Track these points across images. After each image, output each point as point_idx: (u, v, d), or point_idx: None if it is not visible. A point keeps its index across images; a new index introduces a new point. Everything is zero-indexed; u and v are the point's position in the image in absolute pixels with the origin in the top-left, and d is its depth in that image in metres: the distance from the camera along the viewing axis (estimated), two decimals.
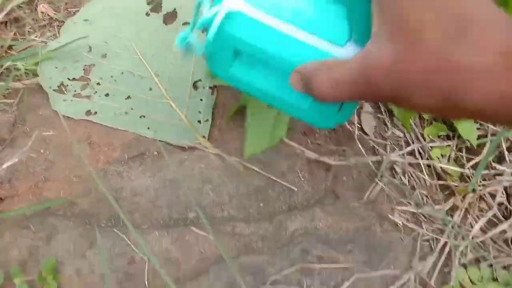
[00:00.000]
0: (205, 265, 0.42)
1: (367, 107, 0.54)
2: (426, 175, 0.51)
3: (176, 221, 0.44)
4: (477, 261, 0.49)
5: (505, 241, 0.50)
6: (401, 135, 0.53)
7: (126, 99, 0.48)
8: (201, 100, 0.49)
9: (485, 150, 0.51)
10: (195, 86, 0.50)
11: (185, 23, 0.54)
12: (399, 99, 0.25)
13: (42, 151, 0.47)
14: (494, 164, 0.51)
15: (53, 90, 0.49)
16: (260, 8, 0.29)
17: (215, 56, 0.29)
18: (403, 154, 0.51)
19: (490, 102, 0.22)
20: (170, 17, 0.54)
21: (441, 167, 0.50)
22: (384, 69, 0.24)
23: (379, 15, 0.25)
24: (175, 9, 0.54)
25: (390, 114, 0.55)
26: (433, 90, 0.23)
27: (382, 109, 0.55)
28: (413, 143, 0.52)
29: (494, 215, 0.50)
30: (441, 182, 0.51)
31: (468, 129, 0.51)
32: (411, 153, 0.52)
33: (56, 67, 0.50)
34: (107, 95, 0.49)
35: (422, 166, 0.51)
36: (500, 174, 0.50)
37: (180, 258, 0.42)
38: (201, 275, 0.41)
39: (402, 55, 0.23)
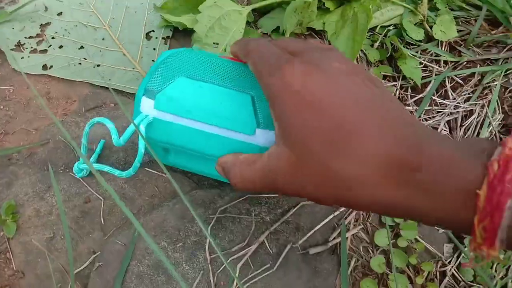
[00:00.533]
0: (160, 201, 0.44)
1: None
2: None
3: (130, 164, 0.46)
4: None
5: None
6: None
7: (79, 49, 0.50)
8: (154, 49, 0.51)
9: (428, 88, 0.54)
10: (148, 36, 0.52)
11: None
12: (303, 196, 0.27)
13: (1, 107, 0.49)
14: (437, 100, 0.53)
15: (11, 49, 0.51)
16: (174, 111, 0.33)
17: (155, 151, 0.32)
18: None
19: (375, 207, 0.24)
20: None
21: None
22: (282, 175, 0.27)
23: (275, 122, 0.27)
24: None
25: None
26: (325, 195, 0.25)
27: None
28: None
29: None
30: None
31: (412, 70, 0.53)
32: None
33: (13, 28, 0.52)
34: (61, 47, 0.50)
35: None
36: (443, 109, 0.52)
37: (135, 195, 0.44)
38: (155, 210, 0.43)
39: (295, 164, 0.25)
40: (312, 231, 0.43)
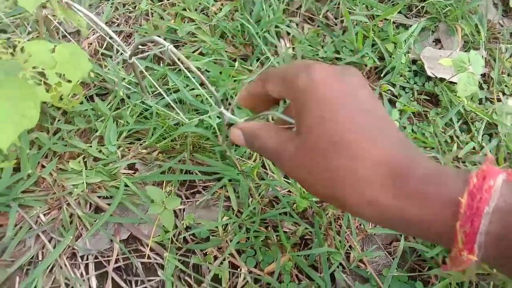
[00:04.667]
0: None
1: None
2: None
3: None
4: None
5: None
6: None
7: None
8: None
9: None
10: None
11: None
12: (301, 181, 0.30)
13: None
14: None
15: None
16: None
17: None
18: None
19: (366, 210, 0.26)
20: None
21: None
22: (289, 157, 0.30)
23: (296, 114, 0.30)
24: None
25: None
26: (322, 187, 0.28)
27: None
28: None
29: None
30: None
31: None
32: None
33: None
34: None
35: None
36: None
37: None
38: None
39: (303, 153, 0.28)
40: None
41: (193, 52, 0.77)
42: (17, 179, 0.59)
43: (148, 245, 0.58)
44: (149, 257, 0.58)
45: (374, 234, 0.61)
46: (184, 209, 0.62)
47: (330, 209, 0.60)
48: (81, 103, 0.65)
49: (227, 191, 0.62)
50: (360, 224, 0.61)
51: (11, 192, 0.58)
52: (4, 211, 0.59)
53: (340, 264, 0.58)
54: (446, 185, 0.23)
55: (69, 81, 0.55)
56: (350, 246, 0.59)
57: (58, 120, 0.65)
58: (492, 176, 0.22)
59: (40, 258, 0.57)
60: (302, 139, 0.29)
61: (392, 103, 0.76)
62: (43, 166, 0.62)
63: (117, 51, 0.77)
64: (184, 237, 0.59)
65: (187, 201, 0.62)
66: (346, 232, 0.59)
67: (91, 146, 0.63)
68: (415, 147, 0.27)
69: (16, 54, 0.54)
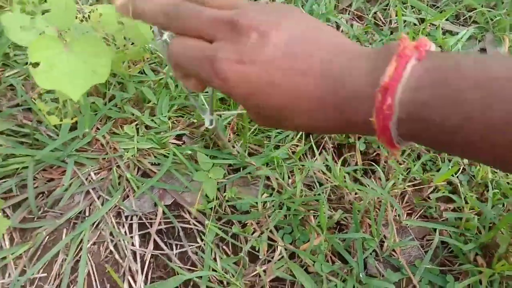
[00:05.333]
0: None
1: None
2: None
3: None
4: None
5: None
6: None
7: None
8: None
9: None
10: None
11: None
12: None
13: None
14: None
15: None
16: None
17: None
18: None
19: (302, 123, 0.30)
20: None
21: None
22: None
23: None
24: None
25: None
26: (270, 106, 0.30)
27: None
28: None
29: None
30: None
31: None
32: None
33: None
34: None
35: None
36: None
37: None
38: None
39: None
40: None
41: None
42: (73, 137, 0.63)
43: (190, 212, 0.61)
44: (190, 224, 0.60)
45: (408, 226, 0.63)
46: (225, 184, 0.64)
47: (368, 198, 0.62)
48: (140, 72, 0.68)
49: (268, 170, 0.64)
50: (397, 215, 0.63)
51: (66, 149, 0.62)
52: (59, 165, 0.62)
53: (374, 251, 0.59)
54: (358, 109, 0.26)
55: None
56: (384, 236, 0.61)
57: (114, 86, 0.68)
58: (399, 71, 0.24)
59: (87, 214, 0.60)
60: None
61: None
62: (97, 129, 0.65)
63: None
64: (225, 209, 0.61)
65: (229, 177, 0.65)
66: (382, 221, 0.61)
67: (143, 114, 0.67)
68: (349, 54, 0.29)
69: (88, 18, 0.57)
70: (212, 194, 0.60)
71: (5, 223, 0.56)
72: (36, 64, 0.47)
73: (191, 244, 0.59)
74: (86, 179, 0.62)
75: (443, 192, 0.65)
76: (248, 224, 0.60)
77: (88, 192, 0.61)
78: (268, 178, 0.64)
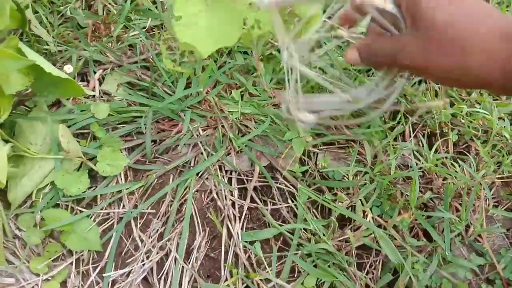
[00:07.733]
0: None
1: None
2: None
3: None
4: None
5: None
6: None
7: None
8: None
9: None
10: None
11: None
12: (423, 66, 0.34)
13: None
14: None
15: None
16: None
17: None
18: None
19: (480, 60, 0.31)
20: None
21: None
22: (409, 52, 0.34)
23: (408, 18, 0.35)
24: None
25: None
26: (445, 61, 0.32)
27: None
28: None
29: None
30: None
31: None
32: None
33: None
34: None
35: None
36: None
37: None
38: None
39: (423, 41, 0.33)
40: None
41: None
42: (187, 94, 0.69)
43: (282, 175, 0.66)
44: (282, 185, 0.65)
45: (495, 215, 0.64)
46: (317, 154, 0.68)
47: (459, 183, 0.64)
48: None
49: (361, 146, 0.68)
50: (486, 203, 0.64)
51: (181, 104, 0.68)
52: (172, 118, 0.69)
53: (459, 234, 0.61)
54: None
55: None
56: (470, 222, 0.63)
57: (224, 55, 0.75)
58: None
59: (192, 164, 0.67)
60: (422, 31, 0.33)
61: None
62: (208, 91, 0.72)
63: None
64: (315, 177, 0.66)
65: (322, 149, 0.69)
66: (472, 206, 0.63)
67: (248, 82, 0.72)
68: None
69: None
70: (299, 151, 0.64)
71: (124, 161, 0.64)
72: (178, 17, 0.53)
73: (283, 203, 0.64)
74: (195, 133, 0.69)
75: None
76: (338, 193, 0.64)
77: (195, 145, 0.68)
78: (360, 153, 0.68)
